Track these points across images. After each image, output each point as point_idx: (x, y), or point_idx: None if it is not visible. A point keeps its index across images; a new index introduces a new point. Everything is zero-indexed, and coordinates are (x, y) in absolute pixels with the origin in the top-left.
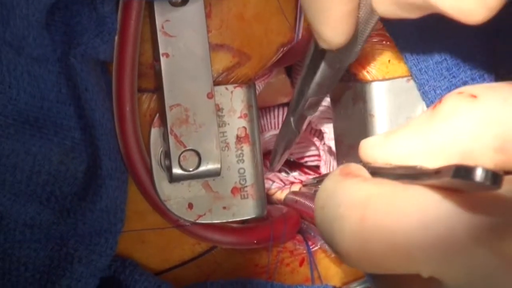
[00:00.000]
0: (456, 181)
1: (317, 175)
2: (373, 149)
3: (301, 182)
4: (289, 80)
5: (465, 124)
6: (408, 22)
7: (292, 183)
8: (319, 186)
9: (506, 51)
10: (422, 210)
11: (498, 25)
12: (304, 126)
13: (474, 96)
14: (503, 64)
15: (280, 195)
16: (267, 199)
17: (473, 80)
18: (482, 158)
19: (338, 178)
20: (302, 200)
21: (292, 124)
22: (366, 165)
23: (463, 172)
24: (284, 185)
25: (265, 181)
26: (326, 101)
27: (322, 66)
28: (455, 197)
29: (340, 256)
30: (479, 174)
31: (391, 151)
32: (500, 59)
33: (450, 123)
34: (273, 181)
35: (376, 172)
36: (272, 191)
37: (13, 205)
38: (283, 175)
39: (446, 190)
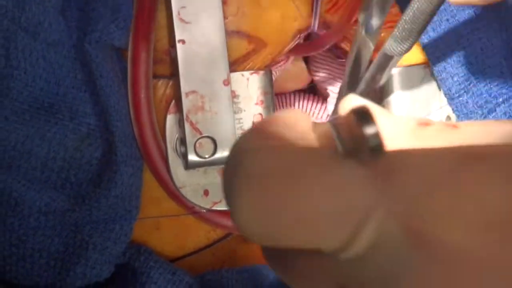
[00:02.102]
0: (351, 117)
1: None
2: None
3: None
4: (306, 67)
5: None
6: None
7: None
8: None
9: None
10: (328, 178)
11: None
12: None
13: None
14: None
15: None
16: None
17: (491, 67)
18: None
19: (249, 138)
20: None
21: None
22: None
23: (362, 114)
24: None
25: None
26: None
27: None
28: (369, 167)
29: (237, 226)
30: (371, 128)
31: None
32: None
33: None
34: None
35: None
36: None
37: (28, 192)
38: None
39: (360, 160)
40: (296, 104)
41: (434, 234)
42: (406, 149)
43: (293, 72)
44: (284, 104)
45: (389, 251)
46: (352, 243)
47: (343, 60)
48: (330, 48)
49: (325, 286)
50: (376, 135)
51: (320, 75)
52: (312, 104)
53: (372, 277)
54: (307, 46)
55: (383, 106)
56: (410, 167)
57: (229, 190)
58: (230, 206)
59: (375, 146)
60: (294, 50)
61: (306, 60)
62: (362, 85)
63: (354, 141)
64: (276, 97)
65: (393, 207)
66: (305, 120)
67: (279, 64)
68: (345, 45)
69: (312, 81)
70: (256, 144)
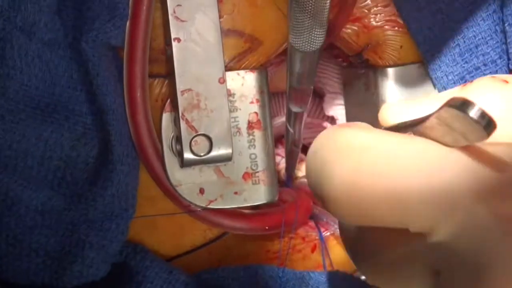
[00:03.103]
0: (451, 112)
1: None
2: (393, 115)
3: None
4: None
5: (493, 102)
6: (421, 7)
7: (301, 160)
8: None
9: None
10: (425, 161)
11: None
12: (300, 125)
13: (505, 81)
14: None
15: None
16: (277, 182)
17: (485, 66)
18: (508, 135)
19: (337, 127)
20: None
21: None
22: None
23: (460, 103)
24: None
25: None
26: (339, 87)
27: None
28: (459, 151)
29: (326, 203)
30: (475, 111)
31: (411, 118)
32: None
33: (479, 99)
34: (283, 156)
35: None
36: (281, 166)
37: (24, 191)
38: None
39: (449, 145)
40: None
41: None
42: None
43: None
44: (280, 103)
45: (479, 237)
46: (441, 224)
47: (339, 59)
48: (325, 48)
49: (417, 272)
50: (484, 114)
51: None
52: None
53: (462, 263)
54: None
55: (379, 105)
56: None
57: (323, 163)
58: (323, 182)
59: (488, 123)
60: None
61: None
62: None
63: (462, 131)
64: (272, 96)
65: (483, 192)
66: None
67: (275, 65)
68: (340, 44)
69: None
70: (348, 127)
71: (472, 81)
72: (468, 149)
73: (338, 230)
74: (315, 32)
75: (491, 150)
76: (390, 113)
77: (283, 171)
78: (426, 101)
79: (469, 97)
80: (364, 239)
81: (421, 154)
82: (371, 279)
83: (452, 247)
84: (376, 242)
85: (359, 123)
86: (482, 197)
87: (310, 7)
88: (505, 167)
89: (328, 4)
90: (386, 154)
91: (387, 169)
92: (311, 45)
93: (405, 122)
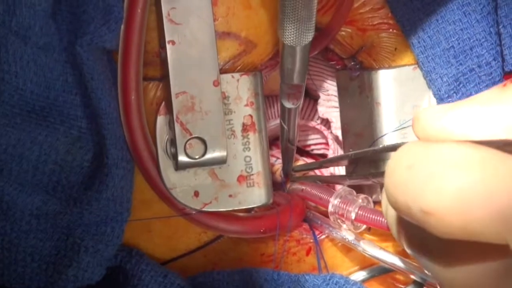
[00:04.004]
0: None
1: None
2: (432, 120)
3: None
4: None
5: None
6: (415, 8)
7: (296, 159)
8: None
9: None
10: None
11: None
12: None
13: None
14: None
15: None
16: (272, 183)
17: (480, 68)
18: None
19: (423, 142)
20: (308, 189)
21: (281, 121)
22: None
23: None
24: None
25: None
26: (333, 90)
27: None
28: None
29: (425, 217)
30: None
31: (453, 123)
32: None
33: None
34: (277, 158)
35: None
36: (276, 167)
37: (20, 195)
38: None
39: None
40: None
41: None
42: None
43: None
44: (275, 105)
45: None
46: None
47: (333, 62)
48: (319, 50)
49: None
50: None
51: (311, 77)
52: (302, 106)
53: None
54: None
55: (373, 107)
56: None
57: (428, 176)
58: (428, 196)
59: None
60: None
61: None
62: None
63: None
64: (266, 98)
65: None
66: None
67: (270, 68)
68: (334, 47)
69: None
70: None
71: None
72: None
73: (332, 233)
74: (304, 26)
75: None
76: (429, 119)
77: (278, 172)
78: (468, 104)
79: None
80: (453, 248)
81: None
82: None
83: None
84: (470, 253)
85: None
86: None
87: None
88: None
89: None
90: (500, 169)
91: (501, 185)
92: (301, 39)
93: (496, 140)
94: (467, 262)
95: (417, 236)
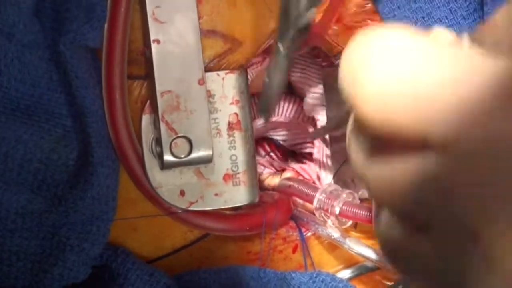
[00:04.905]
0: None
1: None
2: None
3: (293, 169)
4: None
5: None
6: (401, 5)
7: (284, 169)
8: None
9: None
10: (459, 68)
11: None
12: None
13: None
14: None
15: (272, 180)
16: (258, 185)
17: None
18: None
19: (373, 29)
20: (295, 185)
21: (281, 50)
22: None
23: None
24: (276, 171)
25: (257, 166)
26: (319, 88)
27: None
28: (501, 65)
29: (356, 106)
30: None
31: None
32: None
33: None
34: (265, 167)
35: None
36: (264, 176)
37: (4, 194)
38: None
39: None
40: None
41: None
42: None
43: None
44: None
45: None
46: (461, 138)
47: (320, 59)
48: (306, 48)
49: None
50: None
51: (297, 75)
52: (288, 104)
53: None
54: None
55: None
56: None
57: (357, 65)
58: (354, 80)
59: None
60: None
61: None
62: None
63: None
64: (252, 97)
65: None
66: None
67: (255, 66)
68: (321, 44)
69: (288, 81)
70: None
71: None
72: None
73: (318, 230)
74: None
75: None
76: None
77: (267, 182)
78: None
79: None
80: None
81: (456, 61)
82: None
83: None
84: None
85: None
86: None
87: None
88: None
89: None
90: (420, 58)
91: (419, 75)
92: None
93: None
94: (390, 158)
95: (354, 134)
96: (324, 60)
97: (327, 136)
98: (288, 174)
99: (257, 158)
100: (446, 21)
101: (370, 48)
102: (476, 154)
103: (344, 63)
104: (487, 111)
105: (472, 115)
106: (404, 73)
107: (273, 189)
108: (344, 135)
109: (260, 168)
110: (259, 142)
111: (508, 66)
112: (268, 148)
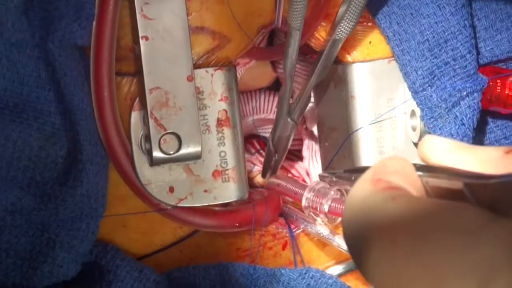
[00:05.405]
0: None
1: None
2: (436, 152)
3: (282, 166)
4: (270, 65)
5: None
6: (389, 2)
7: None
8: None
9: (485, 29)
10: (461, 233)
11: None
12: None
13: None
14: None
15: (261, 178)
16: (248, 183)
17: (455, 61)
18: None
19: (368, 187)
20: (284, 183)
21: (290, 121)
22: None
23: None
24: None
25: (246, 164)
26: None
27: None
28: (497, 223)
29: (366, 277)
30: None
31: (452, 163)
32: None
33: None
34: (254, 164)
35: (424, 170)
36: (253, 173)
37: None
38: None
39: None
40: (261, 101)
41: None
42: None
43: (258, 70)
44: (250, 102)
45: None
46: None
47: (307, 55)
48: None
49: None
50: None
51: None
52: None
53: None
54: (273, 50)
55: (348, 101)
56: None
57: (362, 238)
58: (361, 256)
59: None
60: (260, 55)
61: None
62: (313, 79)
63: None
64: (241, 95)
65: None
66: (411, 169)
67: (244, 64)
68: (310, 42)
69: (276, 78)
70: (380, 195)
71: None
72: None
73: (307, 227)
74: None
75: None
76: (437, 149)
77: (256, 179)
78: (477, 152)
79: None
80: None
81: (458, 225)
82: None
83: None
84: None
85: (388, 166)
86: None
87: None
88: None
89: None
90: (421, 228)
91: (422, 244)
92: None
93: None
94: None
95: None
96: (312, 56)
97: (316, 133)
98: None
99: (247, 155)
100: (435, 17)
101: (375, 218)
102: None
103: (349, 228)
104: None
105: (485, 278)
106: (408, 247)
107: (262, 186)
108: (332, 130)
109: (249, 166)
110: (248, 139)
111: None
112: (257, 146)
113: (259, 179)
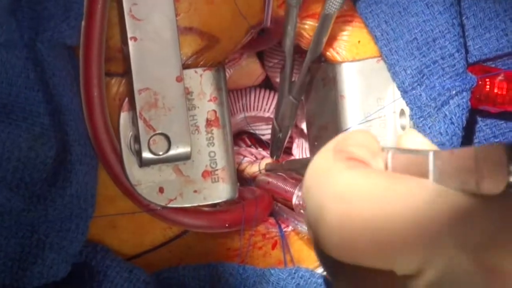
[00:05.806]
0: (495, 153)
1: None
2: (415, 144)
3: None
4: (259, 63)
5: None
6: (377, 0)
7: (263, 157)
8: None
9: (474, 27)
10: (414, 207)
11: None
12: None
13: None
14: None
15: (251, 169)
16: (237, 175)
17: (443, 59)
18: None
19: (329, 157)
20: (274, 181)
21: (292, 99)
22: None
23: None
24: (255, 159)
25: (236, 155)
26: None
27: None
28: (451, 198)
29: (319, 244)
30: None
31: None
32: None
33: None
34: (244, 156)
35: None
36: (243, 165)
37: None
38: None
39: (441, 188)
40: (251, 98)
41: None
42: None
43: (247, 69)
44: (239, 100)
45: (461, 283)
46: (425, 269)
47: (296, 54)
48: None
49: None
50: None
51: (275, 69)
52: (267, 99)
53: None
54: (260, 40)
55: (337, 100)
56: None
57: (317, 206)
58: (317, 225)
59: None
60: (248, 45)
61: (260, 55)
62: (308, 57)
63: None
64: (230, 92)
65: (467, 240)
66: (373, 141)
67: (233, 61)
68: (297, 40)
69: (266, 76)
70: (339, 164)
71: None
72: (456, 197)
73: (298, 226)
74: None
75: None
76: (410, 141)
77: (246, 171)
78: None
79: None
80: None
81: (409, 199)
82: None
83: None
84: (360, 277)
85: (351, 139)
86: (466, 247)
87: None
88: (490, 220)
89: None
90: (373, 200)
91: (376, 217)
92: None
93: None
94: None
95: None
96: (300, 55)
97: (305, 131)
98: (267, 161)
99: (237, 148)
100: (423, 15)
101: (330, 188)
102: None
103: (306, 197)
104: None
105: (432, 248)
106: (361, 215)
107: (252, 177)
108: (322, 129)
109: (239, 158)
110: (240, 135)
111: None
112: (248, 142)
113: (248, 170)
